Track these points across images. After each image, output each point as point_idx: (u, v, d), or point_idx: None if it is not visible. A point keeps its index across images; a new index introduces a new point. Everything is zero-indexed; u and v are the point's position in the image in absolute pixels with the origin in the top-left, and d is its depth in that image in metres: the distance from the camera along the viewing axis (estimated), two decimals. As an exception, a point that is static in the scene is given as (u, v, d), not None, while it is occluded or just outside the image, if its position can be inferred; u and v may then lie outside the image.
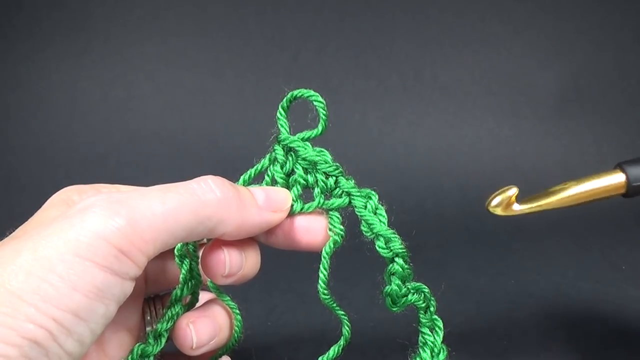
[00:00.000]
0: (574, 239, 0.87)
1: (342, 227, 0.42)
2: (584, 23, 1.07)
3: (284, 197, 0.42)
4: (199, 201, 0.37)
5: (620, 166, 0.43)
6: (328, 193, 0.44)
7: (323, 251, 0.42)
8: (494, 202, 0.43)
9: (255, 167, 0.44)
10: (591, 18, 1.07)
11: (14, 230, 0.39)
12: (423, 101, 1.07)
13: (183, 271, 0.43)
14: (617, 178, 0.43)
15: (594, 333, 0.63)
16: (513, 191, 0.42)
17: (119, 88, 1.06)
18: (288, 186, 0.44)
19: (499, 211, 0.43)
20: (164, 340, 0.42)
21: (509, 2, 1.07)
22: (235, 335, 0.45)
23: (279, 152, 0.44)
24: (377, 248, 0.42)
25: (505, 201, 0.43)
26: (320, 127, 0.43)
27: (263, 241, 0.43)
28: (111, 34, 1.07)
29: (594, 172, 0.43)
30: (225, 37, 1.07)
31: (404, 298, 0.42)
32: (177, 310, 0.43)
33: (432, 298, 0.44)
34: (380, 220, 0.42)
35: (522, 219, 0.93)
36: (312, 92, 0.43)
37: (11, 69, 1.06)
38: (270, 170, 0.44)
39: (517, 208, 0.43)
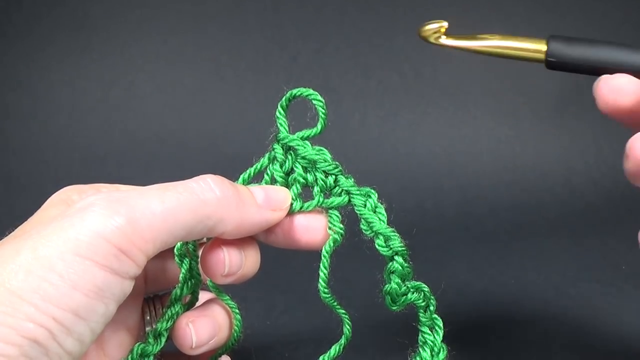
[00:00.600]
0: (574, 239, 0.87)
1: (341, 225, 0.42)
2: (583, 23, 1.07)
3: (283, 196, 0.42)
4: (199, 200, 0.37)
5: (548, 38, 0.44)
6: (327, 192, 0.44)
7: (323, 250, 0.42)
8: (427, 28, 0.45)
9: (254, 166, 0.44)
10: (591, 17, 1.07)
11: (13, 230, 0.39)
12: (423, 101, 1.07)
13: (183, 270, 0.43)
14: (539, 46, 0.44)
15: (594, 333, 0.63)
16: (437, 25, 0.45)
17: (119, 88, 1.06)
18: (287, 185, 0.44)
19: (430, 39, 0.45)
20: (163, 340, 0.42)
21: (509, 2, 1.07)
22: (235, 334, 0.45)
23: (278, 151, 0.44)
24: (377, 246, 0.42)
25: (435, 30, 0.45)
26: (319, 126, 0.43)
27: (263, 240, 0.43)
28: (111, 33, 1.07)
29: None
30: (225, 36, 1.07)
31: (404, 297, 0.42)
32: (176, 309, 0.43)
33: (432, 297, 0.44)
34: (379, 219, 0.42)
35: (522, 219, 0.93)
36: (311, 91, 0.43)
37: (11, 68, 1.06)
38: (269, 169, 0.44)
39: (445, 41, 0.45)
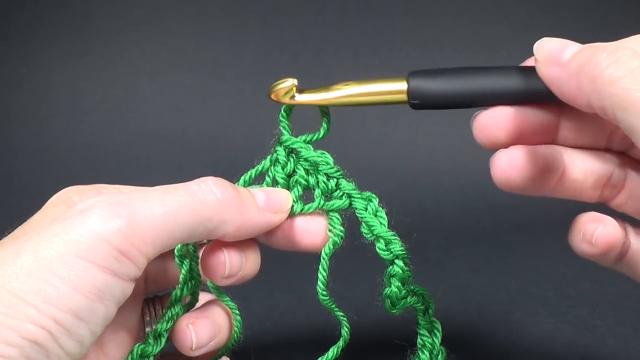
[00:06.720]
0: (574, 239, 0.87)
1: (342, 228, 0.42)
2: (583, 23, 1.07)
3: (284, 198, 0.42)
4: (199, 202, 0.37)
5: (408, 75, 0.41)
6: (328, 194, 0.44)
7: (322, 252, 0.42)
8: (278, 88, 0.43)
9: (255, 167, 0.44)
10: (591, 18, 1.07)
11: (13, 230, 0.39)
12: (423, 101, 1.06)
13: (183, 271, 0.43)
14: (399, 86, 0.41)
15: (594, 333, 0.63)
16: (289, 82, 0.42)
17: (120, 88, 1.06)
18: (289, 187, 0.44)
19: (283, 100, 0.43)
20: (163, 341, 0.42)
21: (509, 3, 1.07)
22: (235, 335, 0.45)
23: (281, 153, 0.44)
24: (378, 250, 0.42)
25: (285, 91, 0.42)
26: (322, 130, 0.44)
27: (263, 242, 0.43)
28: (112, 34, 1.07)
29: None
30: (225, 37, 1.07)
31: (404, 300, 0.42)
32: (176, 310, 0.43)
33: (431, 300, 0.44)
34: (380, 222, 0.42)
35: (522, 219, 0.93)
36: None
37: (12, 70, 1.06)
38: (271, 171, 0.44)
39: (300, 98, 0.42)
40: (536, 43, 0.38)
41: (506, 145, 0.40)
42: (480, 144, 0.41)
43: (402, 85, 0.41)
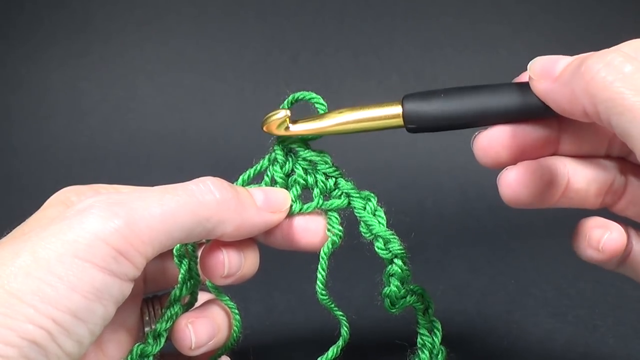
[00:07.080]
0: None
1: (340, 227, 0.42)
2: (584, 23, 1.07)
3: (283, 198, 0.42)
4: (198, 202, 0.37)
5: (403, 99, 0.40)
6: (327, 194, 0.44)
7: (321, 251, 0.42)
8: (271, 120, 0.41)
9: (254, 167, 0.44)
10: (591, 18, 1.07)
11: (11, 231, 0.39)
12: (423, 101, 1.06)
13: (182, 271, 0.43)
14: (394, 111, 0.40)
15: (594, 333, 0.63)
16: (282, 114, 0.41)
17: (120, 88, 1.06)
18: (287, 186, 0.44)
19: (276, 132, 0.42)
20: (163, 340, 0.42)
21: (509, 3, 1.07)
22: (234, 335, 0.45)
23: (279, 152, 0.44)
24: (376, 249, 0.42)
25: (278, 123, 0.41)
26: None
27: (262, 241, 0.43)
28: (112, 34, 1.07)
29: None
30: (225, 37, 1.07)
31: (403, 299, 0.42)
32: (176, 310, 0.43)
33: (431, 300, 0.44)
34: (379, 222, 0.42)
35: (522, 219, 0.93)
36: (313, 95, 0.43)
37: (12, 70, 1.06)
38: (269, 171, 0.44)
39: (294, 128, 0.41)
40: (530, 62, 0.38)
41: (509, 163, 0.40)
42: (483, 165, 0.41)
43: (397, 110, 0.40)
